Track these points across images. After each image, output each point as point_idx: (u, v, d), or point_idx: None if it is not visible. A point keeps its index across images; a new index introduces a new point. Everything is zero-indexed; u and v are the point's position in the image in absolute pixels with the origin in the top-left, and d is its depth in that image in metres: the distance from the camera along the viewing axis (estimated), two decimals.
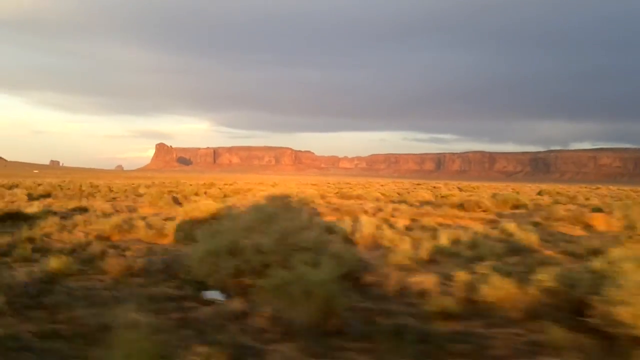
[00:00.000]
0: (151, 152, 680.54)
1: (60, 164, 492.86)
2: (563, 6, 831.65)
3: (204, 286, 7.34)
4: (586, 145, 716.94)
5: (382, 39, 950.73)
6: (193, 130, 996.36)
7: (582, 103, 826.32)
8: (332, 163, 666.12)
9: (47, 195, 30.80)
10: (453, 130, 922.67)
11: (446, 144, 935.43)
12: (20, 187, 35.35)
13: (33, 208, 17.79)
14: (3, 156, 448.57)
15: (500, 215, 21.07)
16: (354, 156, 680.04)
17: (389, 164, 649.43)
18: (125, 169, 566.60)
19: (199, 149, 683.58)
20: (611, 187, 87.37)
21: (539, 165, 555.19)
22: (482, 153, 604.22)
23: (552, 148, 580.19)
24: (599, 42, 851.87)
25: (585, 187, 78.53)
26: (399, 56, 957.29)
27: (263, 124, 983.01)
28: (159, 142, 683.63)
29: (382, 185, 65.39)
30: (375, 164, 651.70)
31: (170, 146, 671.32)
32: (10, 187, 38.72)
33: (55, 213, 17.10)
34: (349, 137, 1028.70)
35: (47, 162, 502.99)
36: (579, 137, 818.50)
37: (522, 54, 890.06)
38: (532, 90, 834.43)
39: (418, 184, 78.43)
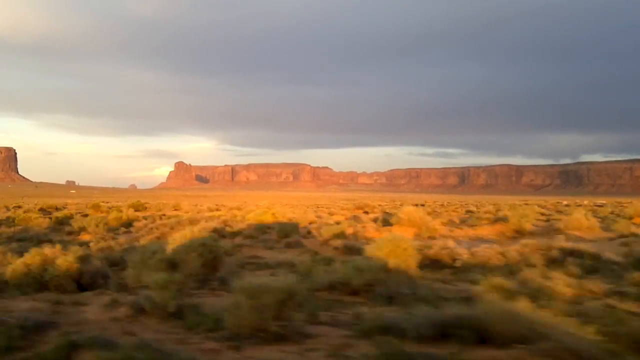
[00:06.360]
0: (158, 172, 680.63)
1: (76, 184, 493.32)
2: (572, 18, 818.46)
3: None
4: (599, 158, 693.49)
5: (393, 54, 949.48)
6: (202, 149, 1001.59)
7: (596, 114, 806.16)
8: (350, 179, 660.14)
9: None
10: (465, 145, 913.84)
11: (454, 158, 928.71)
12: (179, 209, 29.52)
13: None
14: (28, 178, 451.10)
15: None
16: (372, 171, 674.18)
17: (409, 179, 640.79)
18: (138, 187, 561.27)
19: (217, 167, 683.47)
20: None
21: (570, 178, 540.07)
22: (509, 166, 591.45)
23: (564, 161, 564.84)
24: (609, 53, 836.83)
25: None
26: (410, 71, 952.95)
27: (272, 142, 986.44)
28: (166, 161, 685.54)
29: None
30: (396, 179, 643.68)
31: (190, 164, 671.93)
32: (139, 209, 33.79)
33: None
34: (363, 153, 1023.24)
35: (63, 182, 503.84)
36: (593, 149, 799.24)
37: (532, 67, 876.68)
38: (544, 102, 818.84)
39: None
